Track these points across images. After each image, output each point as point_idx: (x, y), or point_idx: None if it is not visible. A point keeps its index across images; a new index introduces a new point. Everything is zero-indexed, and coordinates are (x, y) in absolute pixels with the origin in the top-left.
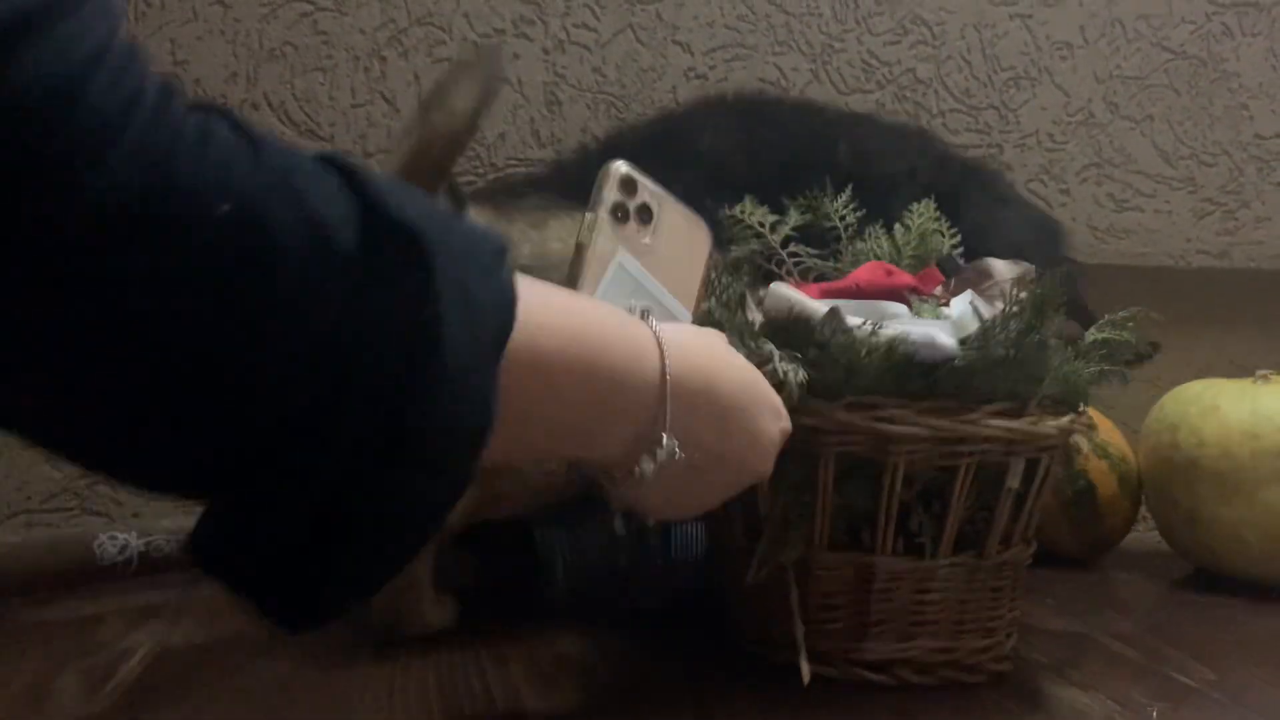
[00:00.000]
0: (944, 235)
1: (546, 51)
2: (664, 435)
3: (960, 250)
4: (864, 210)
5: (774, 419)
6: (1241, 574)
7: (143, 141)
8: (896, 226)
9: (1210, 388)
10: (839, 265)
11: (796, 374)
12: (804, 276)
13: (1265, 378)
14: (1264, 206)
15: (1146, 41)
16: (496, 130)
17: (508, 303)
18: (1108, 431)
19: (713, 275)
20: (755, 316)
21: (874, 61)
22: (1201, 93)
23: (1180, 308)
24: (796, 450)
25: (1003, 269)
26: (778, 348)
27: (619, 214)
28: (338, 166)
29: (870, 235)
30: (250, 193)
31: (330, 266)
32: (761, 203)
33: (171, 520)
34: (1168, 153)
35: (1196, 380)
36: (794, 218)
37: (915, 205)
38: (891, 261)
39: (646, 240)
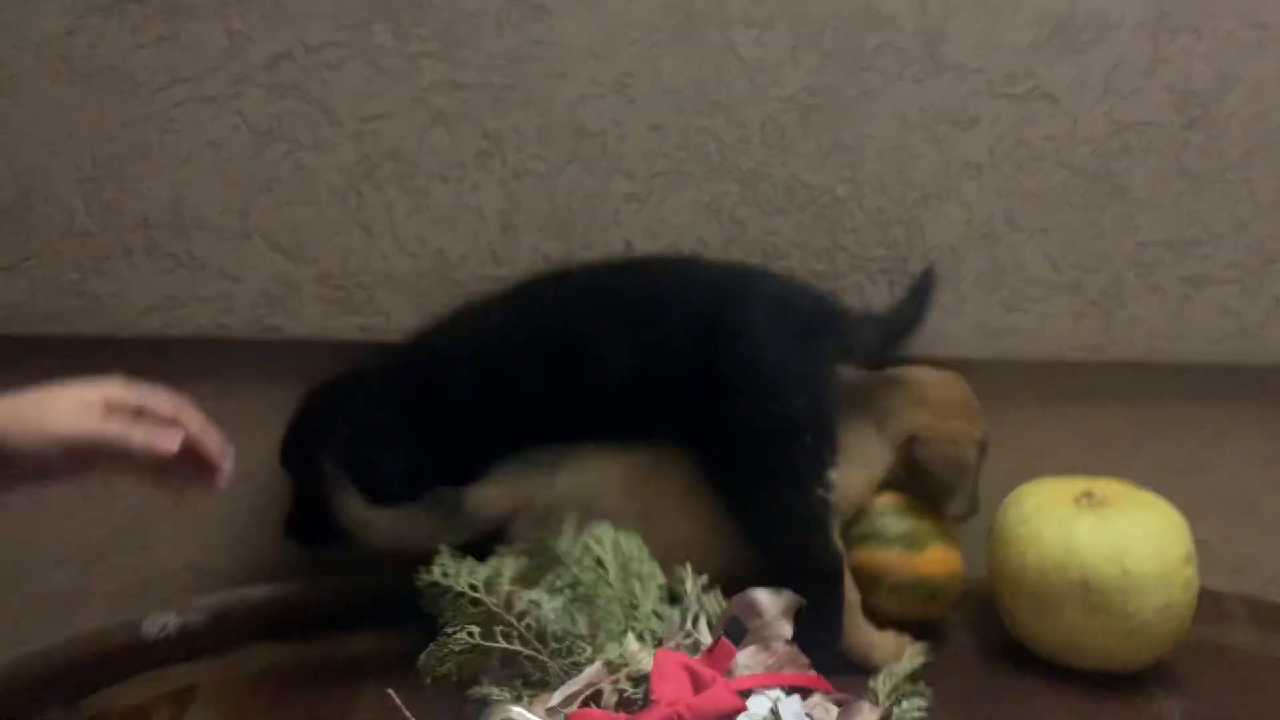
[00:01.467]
0: (644, 563)
1: (504, 182)
2: None
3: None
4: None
5: None
6: (1049, 660)
7: None
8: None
9: (1039, 511)
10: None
11: None
12: (542, 642)
13: (1089, 497)
14: (1139, 306)
15: (1049, 161)
16: (459, 252)
17: None
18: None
19: None
20: None
21: (797, 184)
22: (1094, 206)
23: (1056, 393)
24: None
25: (768, 603)
26: None
27: None
28: None
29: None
30: None
31: None
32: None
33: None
34: (1057, 261)
35: (1035, 486)
36: (510, 567)
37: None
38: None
39: None
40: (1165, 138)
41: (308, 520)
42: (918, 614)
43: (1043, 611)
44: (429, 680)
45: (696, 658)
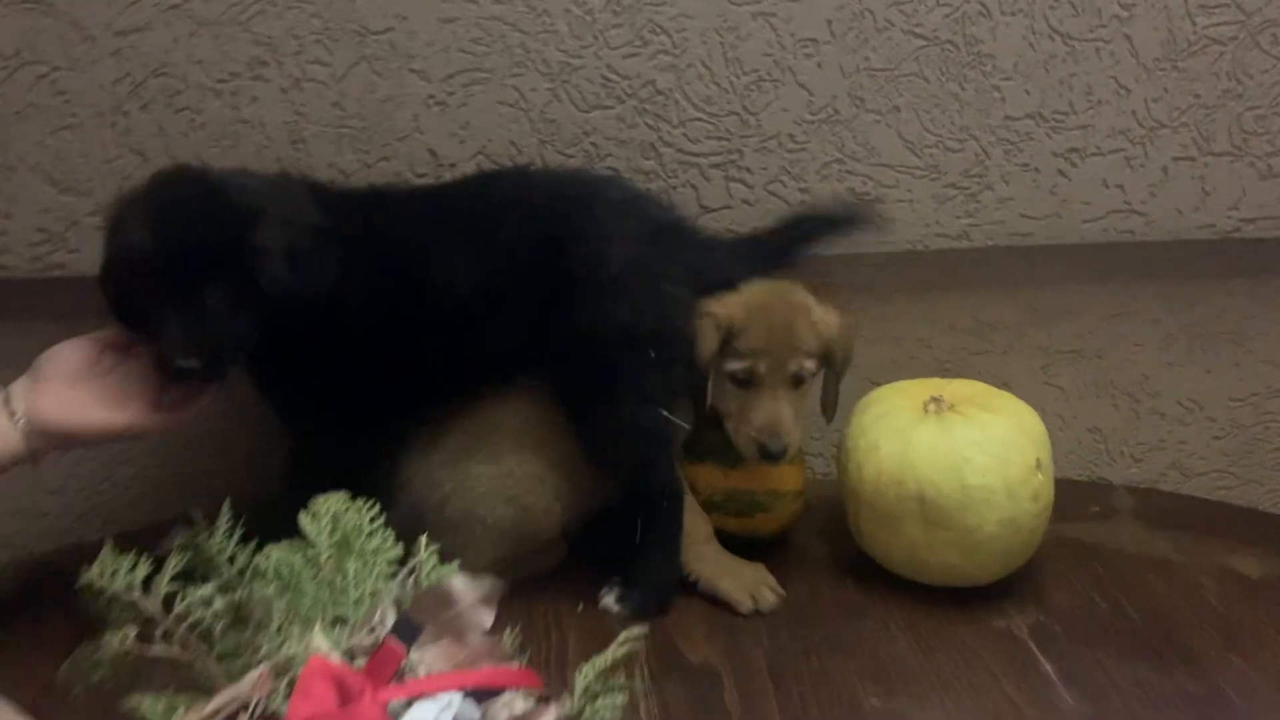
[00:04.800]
0: (361, 515)
1: (284, 90)
2: None
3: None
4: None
5: None
6: (896, 574)
7: None
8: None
9: (880, 420)
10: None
11: None
12: (209, 644)
13: (937, 404)
14: (1007, 187)
15: (898, 30)
16: None
17: None
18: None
19: None
20: None
21: (614, 76)
22: (952, 78)
23: (928, 282)
24: None
25: (463, 591)
26: None
27: None
28: None
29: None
30: None
31: None
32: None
33: None
34: (913, 143)
35: (885, 392)
36: (174, 564)
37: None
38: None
39: None
40: None
41: (203, 332)
42: (738, 529)
43: (883, 526)
44: (76, 691)
45: (359, 664)
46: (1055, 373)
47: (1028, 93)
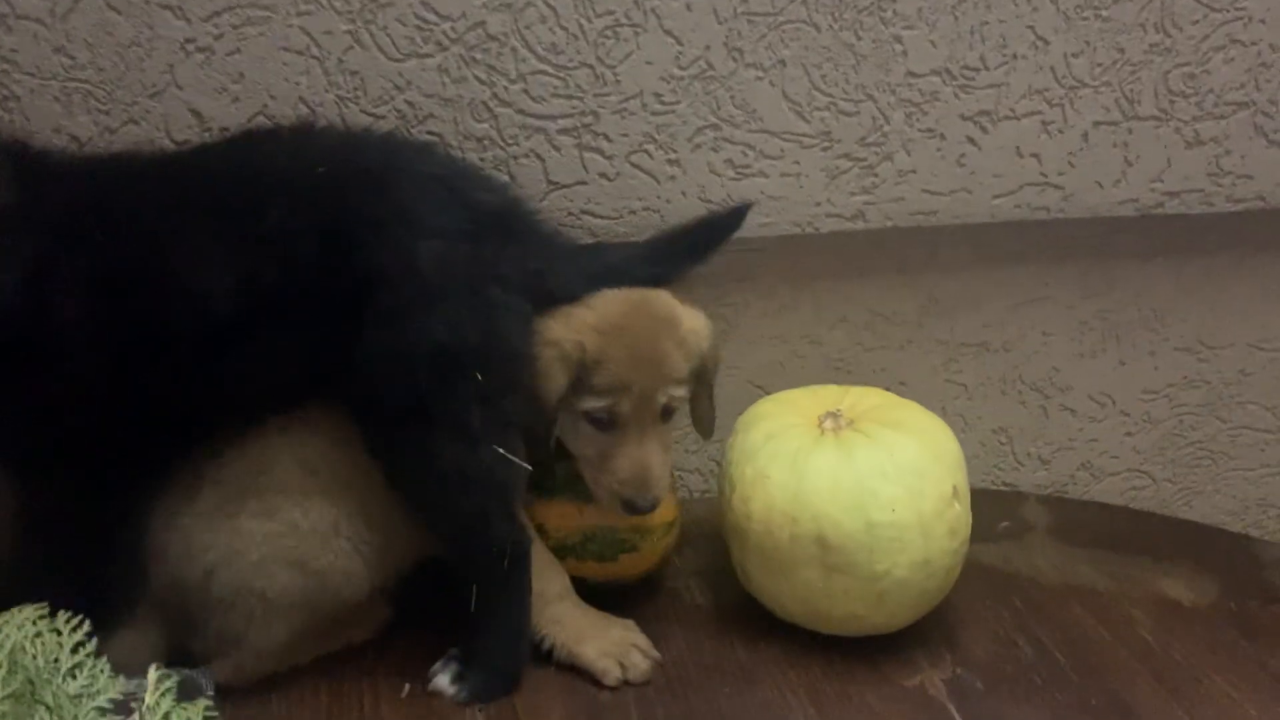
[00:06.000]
0: (59, 642)
1: None
2: None
3: None
4: None
5: None
6: (791, 623)
7: None
8: None
9: (770, 441)
10: None
11: None
12: None
13: (835, 420)
14: (909, 158)
15: None
16: None
17: None
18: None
19: None
20: None
21: (431, 16)
22: (846, 26)
23: (814, 269)
24: None
25: None
26: None
27: None
28: None
29: None
30: None
31: None
32: None
33: None
34: (800, 105)
35: (773, 403)
36: None
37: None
38: None
39: None
40: None
41: None
42: (600, 576)
43: (774, 570)
44: None
45: None
46: (958, 369)
47: (933, 44)
